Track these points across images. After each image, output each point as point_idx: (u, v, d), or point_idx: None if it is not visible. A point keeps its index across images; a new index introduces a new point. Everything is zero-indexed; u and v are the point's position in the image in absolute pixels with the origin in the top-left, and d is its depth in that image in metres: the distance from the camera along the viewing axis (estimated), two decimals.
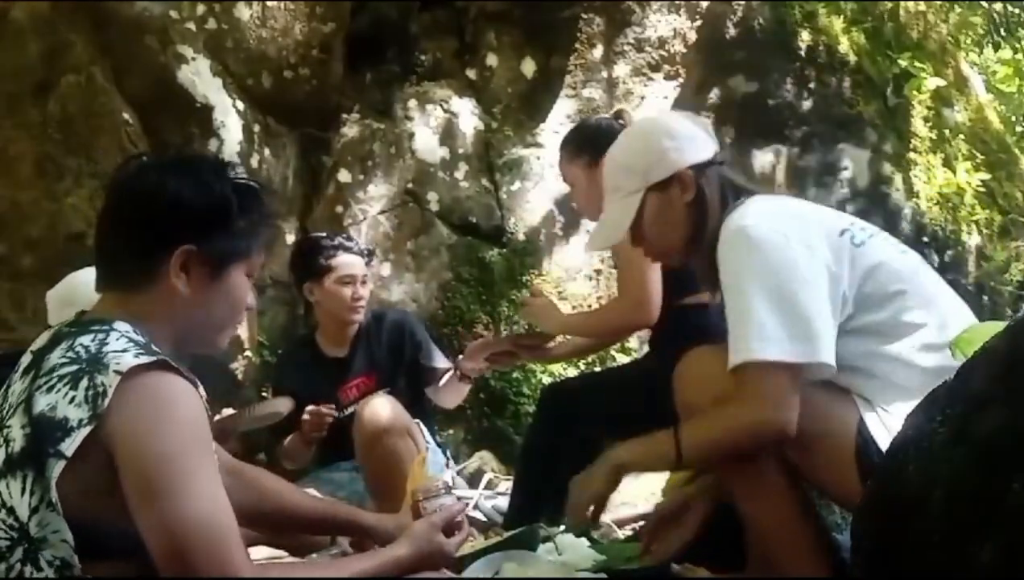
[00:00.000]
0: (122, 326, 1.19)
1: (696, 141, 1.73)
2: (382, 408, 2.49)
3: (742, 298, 1.52)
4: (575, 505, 1.65)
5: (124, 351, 1.14)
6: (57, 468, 1.09)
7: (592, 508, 1.63)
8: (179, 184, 1.24)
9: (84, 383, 1.12)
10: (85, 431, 1.10)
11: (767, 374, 1.48)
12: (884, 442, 1.48)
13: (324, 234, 2.97)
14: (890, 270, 1.59)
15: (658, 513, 1.78)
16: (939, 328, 1.57)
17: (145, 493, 1.10)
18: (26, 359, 1.23)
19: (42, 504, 1.10)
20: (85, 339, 1.17)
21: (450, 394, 2.82)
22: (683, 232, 1.71)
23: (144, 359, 1.13)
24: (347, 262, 2.79)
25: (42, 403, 1.12)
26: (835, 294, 1.54)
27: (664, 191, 1.70)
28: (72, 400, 1.11)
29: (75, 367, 1.14)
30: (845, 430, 1.53)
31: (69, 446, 1.09)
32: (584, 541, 1.85)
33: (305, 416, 2.62)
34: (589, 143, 2.41)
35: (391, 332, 2.87)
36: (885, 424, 1.51)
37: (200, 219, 1.25)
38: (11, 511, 1.12)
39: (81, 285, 2.01)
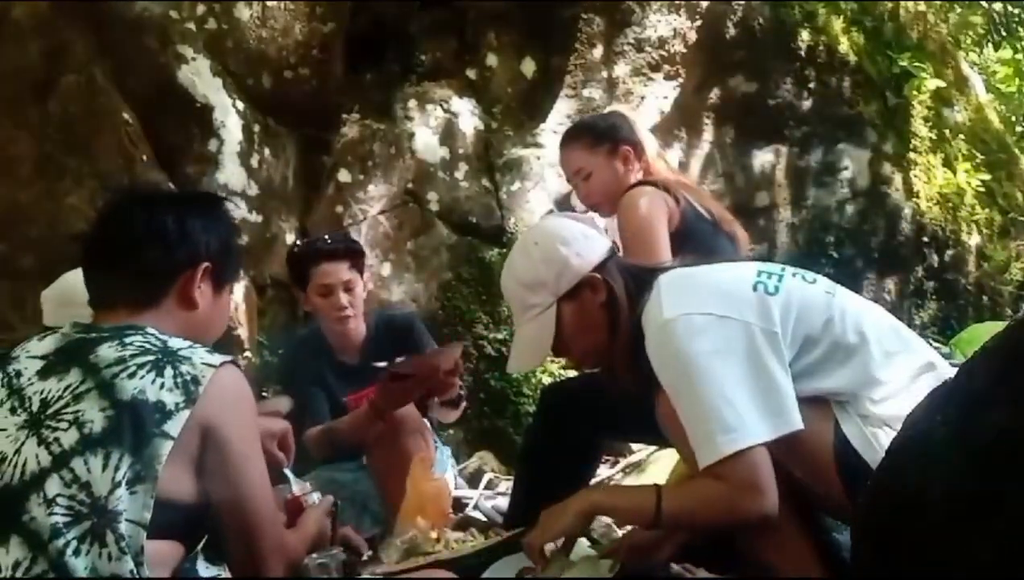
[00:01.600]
0: (154, 330, 1.31)
1: (591, 240, 1.73)
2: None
3: (693, 393, 1.50)
4: (536, 536, 1.62)
5: (194, 348, 1.29)
6: (166, 447, 1.19)
7: (557, 544, 1.62)
8: (197, 216, 1.43)
9: (169, 371, 1.24)
10: (185, 414, 1.22)
11: (744, 461, 1.46)
12: (861, 445, 1.50)
13: (306, 242, 2.89)
14: (811, 306, 1.60)
15: (632, 540, 1.76)
16: (876, 342, 1.60)
17: (229, 472, 1.27)
18: (33, 363, 1.29)
19: (125, 480, 1.17)
20: (135, 337, 1.28)
21: (445, 411, 2.75)
22: (603, 333, 1.71)
23: (222, 357, 1.29)
24: (324, 271, 2.66)
25: (130, 388, 1.21)
26: (778, 350, 1.53)
27: (575, 298, 1.70)
28: (162, 386, 1.22)
29: (152, 357, 1.25)
30: (822, 435, 1.55)
31: (173, 427, 1.21)
32: (584, 541, 1.85)
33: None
34: (610, 131, 2.47)
35: (398, 338, 2.79)
36: (862, 427, 1.52)
37: (214, 243, 1.43)
38: (85, 486, 1.16)
39: (81, 284, 2.01)
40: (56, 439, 1.19)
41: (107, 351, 1.25)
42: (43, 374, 1.26)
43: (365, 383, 2.69)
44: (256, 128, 3.85)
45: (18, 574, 1.13)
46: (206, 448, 1.25)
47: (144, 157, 3.56)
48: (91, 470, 1.17)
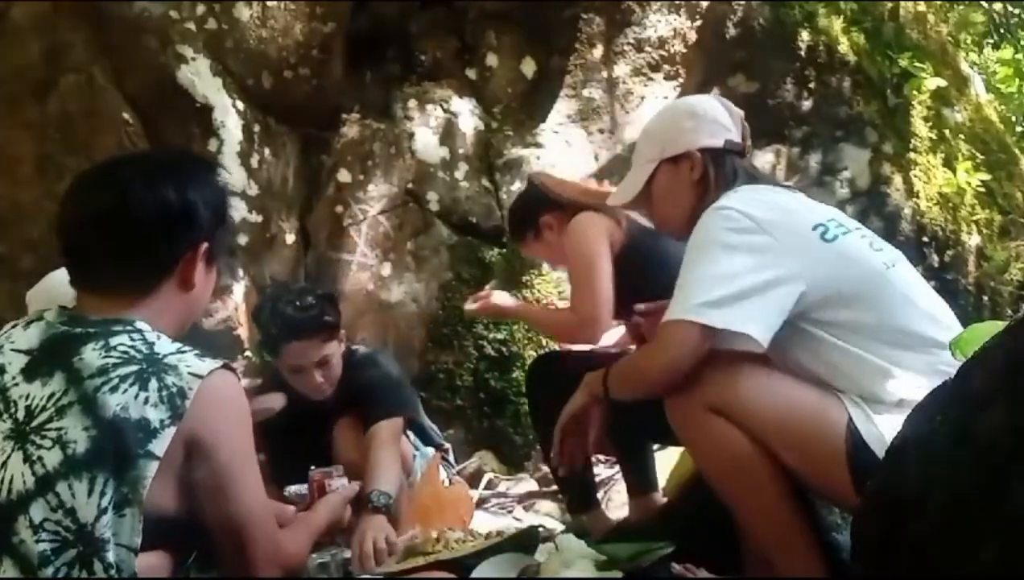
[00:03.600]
0: (143, 325, 1.24)
1: (715, 126, 1.82)
2: None
3: (686, 265, 1.63)
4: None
5: (183, 353, 1.22)
6: (151, 468, 1.14)
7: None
8: (196, 187, 1.32)
9: (154, 384, 1.17)
10: (170, 431, 1.16)
11: (678, 331, 1.57)
12: (874, 441, 1.49)
13: (272, 304, 2.53)
14: (861, 269, 1.61)
15: (560, 428, 1.83)
16: (915, 325, 1.58)
17: (218, 485, 1.21)
18: (17, 359, 1.22)
19: (111, 505, 1.12)
20: (121, 339, 1.20)
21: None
22: (685, 208, 1.79)
23: (212, 363, 1.22)
24: (295, 351, 2.44)
25: (112, 404, 1.15)
26: (785, 283, 1.56)
27: (675, 166, 1.82)
28: (146, 401, 1.16)
29: (135, 367, 1.18)
30: (835, 431, 1.53)
31: (158, 446, 1.15)
32: (582, 542, 1.85)
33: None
34: (528, 216, 2.56)
35: (356, 377, 2.59)
36: (875, 423, 1.52)
37: (213, 217, 1.34)
38: (70, 512, 1.12)
39: (65, 283, 2.01)
40: (40, 459, 1.14)
41: (91, 355, 1.18)
42: (28, 374, 1.20)
43: (330, 420, 2.57)
44: (256, 128, 3.85)
45: None
46: (193, 461, 1.20)
47: None
48: (75, 495, 1.12)
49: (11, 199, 3.48)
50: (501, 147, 4.28)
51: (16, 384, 1.20)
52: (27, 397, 1.18)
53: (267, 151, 3.90)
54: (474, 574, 1.70)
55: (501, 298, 2.62)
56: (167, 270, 1.30)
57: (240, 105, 3.79)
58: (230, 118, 3.73)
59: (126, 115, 3.54)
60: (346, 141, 4.10)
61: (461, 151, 4.19)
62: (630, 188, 1.90)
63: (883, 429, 1.49)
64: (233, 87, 3.78)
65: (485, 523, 2.76)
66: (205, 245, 1.32)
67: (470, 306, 2.59)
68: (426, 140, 4.16)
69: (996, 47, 6.43)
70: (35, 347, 1.23)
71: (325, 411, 2.58)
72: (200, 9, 3.71)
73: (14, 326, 1.29)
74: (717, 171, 1.78)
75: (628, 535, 1.94)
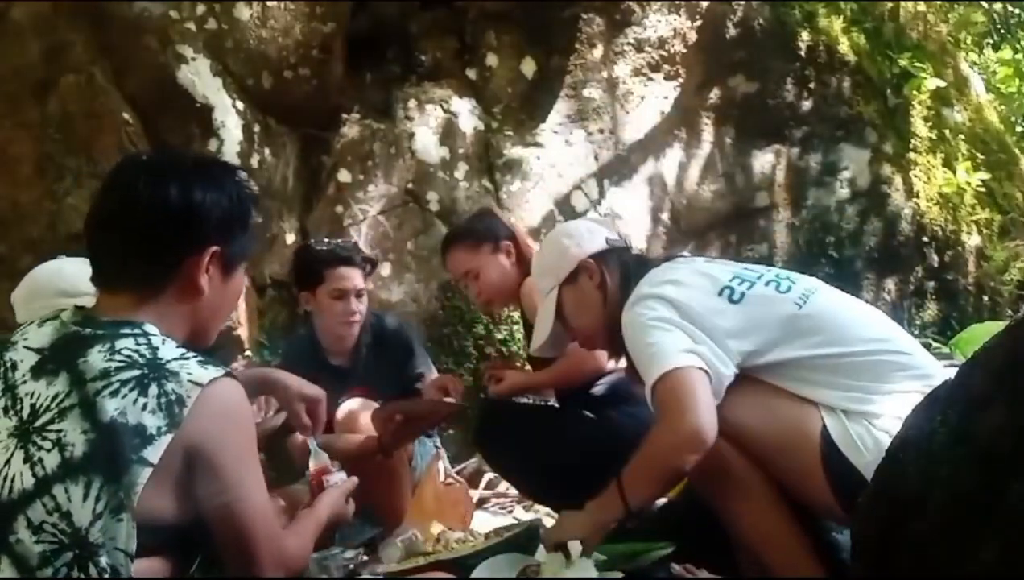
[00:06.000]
0: (151, 328, 1.24)
1: (591, 234, 1.96)
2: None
3: (635, 351, 1.68)
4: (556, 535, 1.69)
5: (186, 359, 1.21)
6: (143, 474, 1.14)
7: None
8: (204, 189, 1.29)
9: (154, 390, 1.16)
10: (167, 439, 1.15)
11: (677, 382, 1.56)
12: (847, 447, 1.50)
13: (324, 242, 2.85)
14: (771, 316, 1.66)
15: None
16: (853, 347, 1.62)
17: (219, 491, 1.21)
18: (28, 357, 1.23)
19: (107, 510, 1.12)
20: (127, 342, 1.20)
21: None
22: (598, 314, 1.88)
23: (214, 371, 1.21)
24: (341, 275, 2.67)
25: (110, 409, 1.15)
26: (715, 347, 1.60)
27: (574, 282, 1.92)
28: (145, 407, 1.15)
29: (136, 372, 1.17)
30: (810, 440, 1.55)
31: (152, 453, 1.14)
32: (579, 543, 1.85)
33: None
34: (489, 230, 2.61)
35: (389, 342, 2.80)
36: (850, 431, 1.53)
37: (224, 222, 1.31)
38: (66, 516, 1.12)
39: (44, 278, 2.01)
40: (40, 460, 1.14)
41: (95, 358, 1.18)
42: (36, 373, 1.21)
43: (355, 385, 2.71)
44: (256, 128, 3.86)
45: None
46: (193, 470, 1.19)
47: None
48: (71, 499, 1.12)
49: (11, 199, 3.48)
50: (501, 147, 4.28)
51: (24, 382, 1.21)
52: (32, 395, 1.19)
53: (267, 151, 3.90)
54: (474, 574, 1.70)
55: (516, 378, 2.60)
56: (171, 272, 1.28)
57: (240, 105, 3.79)
58: (230, 118, 3.73)
59: (126, 115, 3.54)
60: (346, 141, 4.10)
61: (461, 151, 4.19)
62: (545, 324, 1.98)
63: (856, 437, 1.51)
64: (233, 87, 3.78)
65: (485, 523, 2.76)
66: (214, 249, 1.29)
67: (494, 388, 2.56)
68: (426, 140, 4.16)
69: (996, 47, 6.43)
70: (46, 346, 1.24)
71: (344, 375, 2.73)
72: (200, 9, 3.71)
73: (31, 323, 1.29)
74: (610, 269, 1.89)
75: (628, 535, 1.94)
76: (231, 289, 1.36)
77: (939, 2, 5.27)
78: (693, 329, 1.62)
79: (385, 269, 3.98)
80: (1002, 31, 5.87)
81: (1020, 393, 0.98)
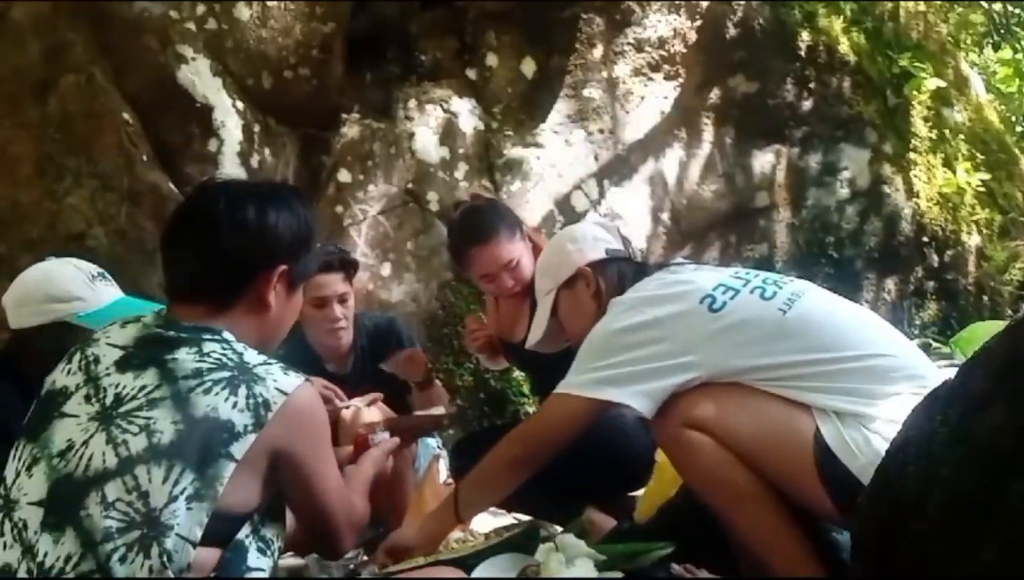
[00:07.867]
0: (229, 335, 1.35)
1: (594, 242, 2.00)
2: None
3: (584, 346, 1.78)
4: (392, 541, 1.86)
5: (270, 365, 1.33)
6: (229, 468, 1.23)
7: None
8: (277, 211, 1.41)
9: (243, 391, 1.27)
10: (252, 437, 1.25)
11: (565, 403, 1.73)
12: (841, 450, 1.51)
13: None
14: (754, 324, 1.67)
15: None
16: (844, 352, 1.62)
17: (301, 487, 1.36)
18: (111, 352, 1.32)
19: (183, 495, 1.20)
20: (213, 346, 1.31)
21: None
22: (592, 320, 1.88)
23: (295, 378, 1.33)
24: (319, 283, 2.58)
25: (202, 404, 1.25)
26: (676, 372, 1.65)
27: (571, 287, 1.97)
28: (234, 406, 1.26)
29: (227, 373, 1.28)
30: (804, 442, 1.56)
31: (239, 449, 1.24)
32: (580, 542, 1.85)
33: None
34: (514, 218, 2.59)
35: (383, 342, 2.76)
36: (844, 434, 1.53)
37: (294, 243, 1.43)
38: (143, 495, 1.20)
39: (34, 281, 1.99)
40: (125, 442, 1.22)
41: (185, 358, 1.28)
42: (121, 366, 1.29)
43: (356, 391, 2.63)
44: (256, 128, 3.86)
45: (68, 567, 1.17)
46: (278, 468, 1.31)
47: (144, 157, 3.56)
48: (152, 480, 1.20)
49: (11, 199, 3.48)
50: (501, 147, 4.28)
51: (108, 374, 1.29)
52: (118, 386, 1.27)
53: (267, 151, 3.90)
54: (474, 574, 1.70)
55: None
56: (244, 287, 1.39)
57: (240, 105, 3.79)
58: (230, 118, 3.73)
59: (126, 115, 3.54)
60: (346, 141, 4.10)
61: (461, 151, 4.19)
62: (540, 323, 2.05)
63: (849, 439, 1.52)
64: (233, 87, 3.78)
65: (485, 523, 2.76)
66: (283, 268, 1.40)
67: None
68: (426, 140, 4.16)
69: (996, 47, 6.43)
70: (130, 344, 1.33)
71: (343, 382, 2.66)
72: (200, 9, 3.72)
73: (112, 323, 1.40)
74: (607, 279, 1.94)
75: (628, 535, 1.94)
76: (293, 305, 1.48)
77: (939, 2, 5.27)
78: (642, 355, 1.67)
79: (385, 269, 3.98)
80: (1002, 31, 5.87)
81: (1020, 393, 0.98)
